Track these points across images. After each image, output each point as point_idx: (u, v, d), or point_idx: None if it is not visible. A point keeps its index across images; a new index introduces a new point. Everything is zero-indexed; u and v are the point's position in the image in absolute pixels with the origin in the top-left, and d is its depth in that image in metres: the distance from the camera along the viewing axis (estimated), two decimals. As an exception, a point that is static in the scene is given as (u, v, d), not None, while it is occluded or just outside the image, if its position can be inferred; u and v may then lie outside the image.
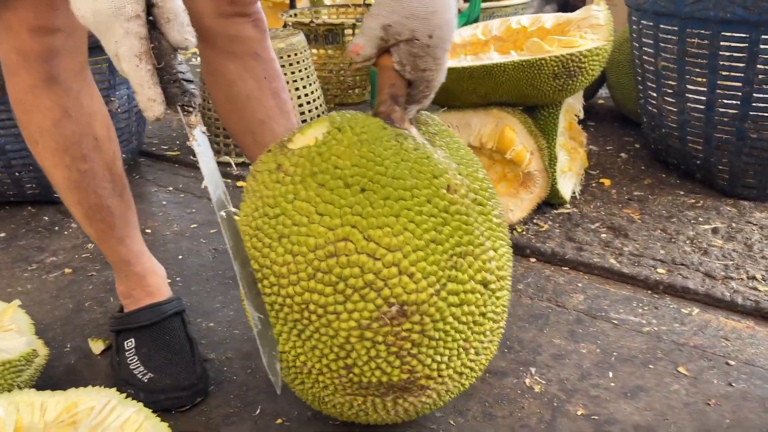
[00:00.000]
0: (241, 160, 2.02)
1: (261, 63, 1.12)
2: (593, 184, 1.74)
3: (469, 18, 2.16)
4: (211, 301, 1.27)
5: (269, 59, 1.14)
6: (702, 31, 1.49)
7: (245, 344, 1.12)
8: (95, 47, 1.61)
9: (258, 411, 0.97)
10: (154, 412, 0.94)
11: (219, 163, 2.23)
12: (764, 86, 1.45)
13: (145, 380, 0.98)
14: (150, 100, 0.68)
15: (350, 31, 2.45)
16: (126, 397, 0.78)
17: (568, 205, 1.60)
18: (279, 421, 0.95)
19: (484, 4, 2.69)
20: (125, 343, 1.03)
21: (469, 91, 1.43)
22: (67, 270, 1.41)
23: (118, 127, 1.79)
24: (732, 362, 1.05)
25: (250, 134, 1.15)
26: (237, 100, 1.12)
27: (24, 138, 0.99)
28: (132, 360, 1.00)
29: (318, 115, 2.19)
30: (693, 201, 1.62)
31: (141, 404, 0.75)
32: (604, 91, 2.57)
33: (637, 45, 1.74)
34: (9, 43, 0.90)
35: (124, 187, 1.05)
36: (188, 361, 1.00)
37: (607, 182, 1.75)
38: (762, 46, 1.42)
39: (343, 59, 2.54)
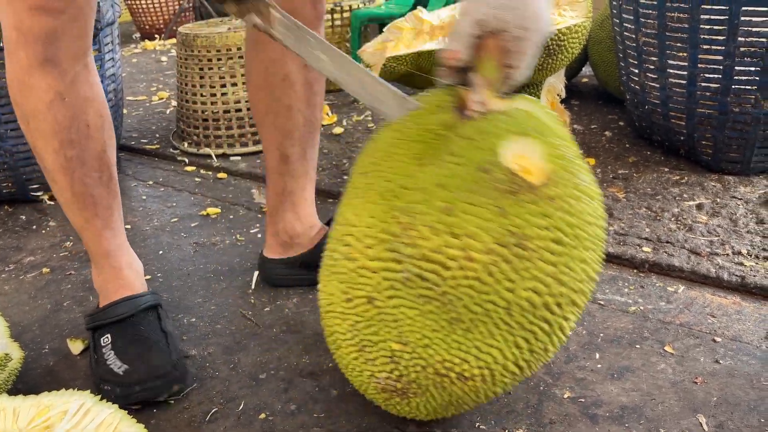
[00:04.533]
0: (221, 151, 1.99)
1: None
2: (577, 164, 1.72)
3: (448, -1, 2.13)
4: (193, 296, 1.25)
5: None
6: (681, 5, 1.47)
7: (227, 339, 1.11)
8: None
9: (241, 407, 0.95)
10: (132, 404, 0.93)
11: (199, 155, 2.18)
12: (746, 59, 1.44)
13: (121, 373, 0.95)
14: None
15: (329, 6, 2.42)
16: (102, 396, 0.76)
17: (552, 186, 1.58)
18: (262, 415, 0.93)
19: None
20: (101, 339, 1.01)
21: (448, 73, 1.40)
22: (45, 269, 1.39)
23: (94, 121, 1.75)
24: (719, 339, 1.04)
25: (272, 114, 1.13)
26: (272, 79, 1.11)
27: (18, 117, 0.98)
28: (108, 356, 0.98)
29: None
30: (677, 177, 1.61)
31: (116, 406, 0.73)
32: (587, 70, 2.55)
33: (617, 21, 1.72)
34: (10, 20, 0.88)
35: (111, 178, 1.04)
36: (163, 351, 0.98)
37: (591, 161, 1.73)
38: (742, 18, 1.40)
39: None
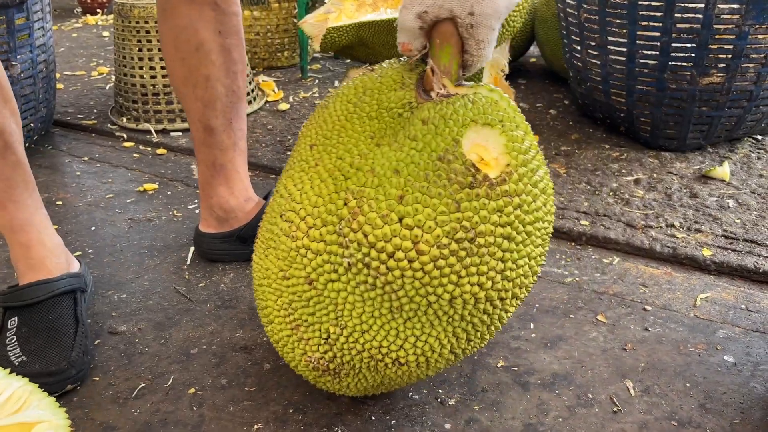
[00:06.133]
0: (161, 127, 1.92)
1: (219, 15, 1.05)
2: (521, 141, 1.73)
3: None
4: (125, 272, 1.20)
5: (230, 13, 1.06)
6: (622, -18, 1.48)
7: (159, 315, 1.07)
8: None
9: (170, 381, 0.92)
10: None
11: (138, 131, 2.10)
12: (682, 35, 1.46)
13: (16, 364, 0.90)
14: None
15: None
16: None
17: (495, 162, 1.58)
18: (192, 390, 0.90)
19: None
20: (9, 322, 0.95)
21: (389, 45, 1.39)
22: (-33, 246, 1.32)
23: (22, 94, 1.67)
24: (649, 308, 1.06)
25: (190, 85, 1.09)
26: (184, 48, 1.06)
27: None
28: (11, 341, 0.93)
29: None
30: (617, 154, 1.63)
31: (27, 379, 0.70)
32: (535, 50, 2.57)
33: (561, -2, 1.73)
34: None
35: (7, 147, 0.96)
36: (66, 345, 0.93)
37: (535, 138, 1.74)
38: (679, -4, 1.42)
39: (269, 21, 2.44)
